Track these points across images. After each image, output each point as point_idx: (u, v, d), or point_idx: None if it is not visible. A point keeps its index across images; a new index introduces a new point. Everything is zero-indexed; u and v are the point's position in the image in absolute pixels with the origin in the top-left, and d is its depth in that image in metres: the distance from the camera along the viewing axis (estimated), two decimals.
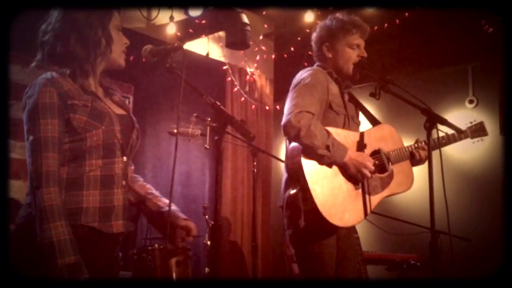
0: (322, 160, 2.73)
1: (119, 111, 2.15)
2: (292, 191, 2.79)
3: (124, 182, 2.09)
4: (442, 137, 3.08)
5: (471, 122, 3.33)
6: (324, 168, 2.75)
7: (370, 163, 2.79)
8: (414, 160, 3.02)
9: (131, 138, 2.15)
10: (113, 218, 2.03)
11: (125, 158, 2.09)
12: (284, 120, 2.76)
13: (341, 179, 2.79)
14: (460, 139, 3.19)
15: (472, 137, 3.29)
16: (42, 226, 1.82)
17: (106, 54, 2.09)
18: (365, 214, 2.82)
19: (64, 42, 2.01)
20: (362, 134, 2.94)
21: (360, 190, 2.82)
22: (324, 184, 2.72)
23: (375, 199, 2.85)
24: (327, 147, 2.70)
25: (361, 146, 2.90)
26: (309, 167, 2.72)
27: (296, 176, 2.76)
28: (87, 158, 1.97)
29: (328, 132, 2.75)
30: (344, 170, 2.79)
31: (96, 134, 1.97)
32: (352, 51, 2.99)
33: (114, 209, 2.03)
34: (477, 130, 3.30)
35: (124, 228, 2.08)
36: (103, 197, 2.00)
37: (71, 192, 1.94)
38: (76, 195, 1.95)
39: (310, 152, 2.72)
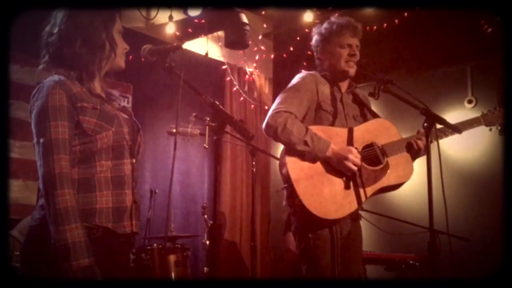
0: (304, 156, 2.82)
1: (124, 115, 2.17)
2: (282, 189, 2.93)
3: (134, 183, 2.11)
4: (453, 124, 3.00)
5: (489, 110, 3.16)
6: (308, 164, 2.83)
7: (352, 155, 2.81)
8: (413, 151, 3.01)
9: (137, 140, 2.17)
10: (125, 218, 2.04)
11: (133, 160, 2.11)
12: (264, 121, 2.90)
13: (328, 173, 2.84)
14: (471, 127, 3.09)
15: (487, 125, 3.14)
16: (58, 228, 1.82)
17: (111, 57, 2.11)
18: (356, 206, 2.84)
19: (70, 44, 2.02)
20: (351, 129, 2.97)
21: (349, 183, 2.85)
22: (309, 180, 2.80)
23: (367, 191, 2.87)
24: (305, 143, 2.79)
25: (351, 140, 2.93)
26: (293, 164, 2.82)
27: (283, 175, 2.86)
28: (97, 159, 1.98)
29: (307, 128, 2.83)
30: (329, 164, 2.84)
31: (107, 136, 1.98)
32: (343, 50, 3.06)
33: (127, 209, 2.04)
34: (495, 117, 3.13)
35: (136, 228, 2.10)
36: (116, 197, 2.01)
37: (84, 194, 1.94)
38: (89, 197, 1.95)
39: (291, 150, 2.83)
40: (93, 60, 2.06)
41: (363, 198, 2.86)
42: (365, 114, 3.17)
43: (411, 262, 4.30)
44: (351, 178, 2.85)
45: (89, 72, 2.05)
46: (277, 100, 2.96)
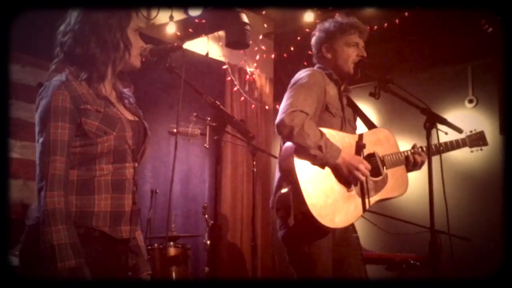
0: (314, 160, 2.72)
1: (131, 117, 2.16)
2: (284, 191, 2.81)
3: (134, 188, 2.10)
4: (440, 144, 3.07)
5: (471, 131, 3.29)
6: (317, 168, 2.74)
7: (363, 165, 2.75)
8: (409, 165, 3.00)
9: (143, 144, 2.15)
10: (123, 223, 2.02)
11: (135, 164, 2.10)
12: (277, 118, 2.75)
13: (333, 180, 2.77)
14: (458, 147, 3.20)
15: (471, 146, 3.27)
16: (44, 229, 1.82)
17: (125, 57, 2.10)
18: (356, 216, 2.81)
19: (84, 44, 2.01)
20: (358, 137, 2.93)
21: (352, 192, 2.80)
22: (316, 184, 2.71)
23: (367, 202, 2.84)
24: (320, 148, 2.68)
25: (357, 148, 2.88)
26: (301, 167, 2.71)
27: (289, 176, 2.75)
28: (97, 162, 1.97)
29: (321, 132, 2.73)
30: (337, 172, 2.77)
31: (108, 140, 1.97)
32: (351, 50, 2.99)
33: (124, 214, 2.03)
34: (477, 139, 3.27)
35: (132, 234, 2.09)
36: (114, 201, 2.00)
37: (82, 196, 1.94)
38: (88, 199, 1.94)
39: (303, 152, 2.71)
40: (106, 61, 2.05)
41: (365, 208, 2.83)
42: (356, 118, 3.15)
43: (412, 262, 4.29)
44: (356, 188, 2.81)
45: (101, 72, 2.04)
46: (290, 98, 2.80)
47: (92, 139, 1.95)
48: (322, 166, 2.75)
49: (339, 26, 3.01)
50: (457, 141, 3.19)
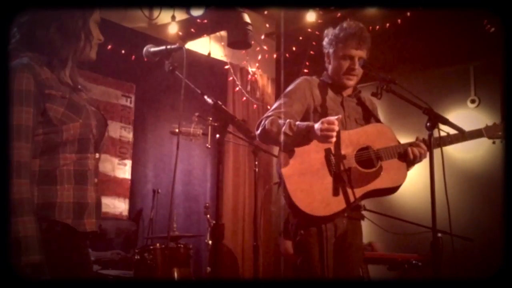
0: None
1: (91, 107, 2.07)
2: (274, 184, 2.97)
3: (96, 180, 2.02)
4: (451, 135, 3.01)
5: (494, 123, 3.20)
6: (302, 161, 2.85)
7: (324, 123, 2.67)
8: (408, 159, 2.99)
9: (104, 135, 2.08)
10: (86, 216, 1.95)
11: (97, 155, 2.03)
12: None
13: (322, 171, 2.87)
14: (471, 138, 3.11)
15: (490, 137, 3.19)
16: (11, 220, 1.73)
17: (86, 48, 2.03)
18: (344, 205, 2.85)
19: (44, 28, 1.94)
20: (341, 133, 2.93)
21: (341, 183, 2.87)
22: (301, 176, 2.85)
23: (356, 192, 2.89)
24: (285, 134, 2.80)
25: (344, 143, 2.92)
26: (285, 160, 2.86)
27: (277, 170, 2.93)
28: (61, 151, 1.90)
29: (287, 122, 2.85)
30: (326, 165, 2.86)
31: (73, 128, 1.90)
32: (344, 62, 3.03)
33: (88, 206, 1.96)
34: (498, 130, 3.19)
35: (96, 227, 2.00)
36: (77, 192, 1.92)
37: (44, 186, 1.87)
38: (50, 190, 1.87)
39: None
40: (66, 48, 1.97)
41: (352, 198, 2.87)
42: (369, 117, 3.16)
43: (414, 262, 4.29)
44: (341, 178, 2.87)
45: (61, 59, 1.97)
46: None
47: (56, 127, 1.87)
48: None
49: (337, 36, 3.05)
50: (470, 132, 3.11)
